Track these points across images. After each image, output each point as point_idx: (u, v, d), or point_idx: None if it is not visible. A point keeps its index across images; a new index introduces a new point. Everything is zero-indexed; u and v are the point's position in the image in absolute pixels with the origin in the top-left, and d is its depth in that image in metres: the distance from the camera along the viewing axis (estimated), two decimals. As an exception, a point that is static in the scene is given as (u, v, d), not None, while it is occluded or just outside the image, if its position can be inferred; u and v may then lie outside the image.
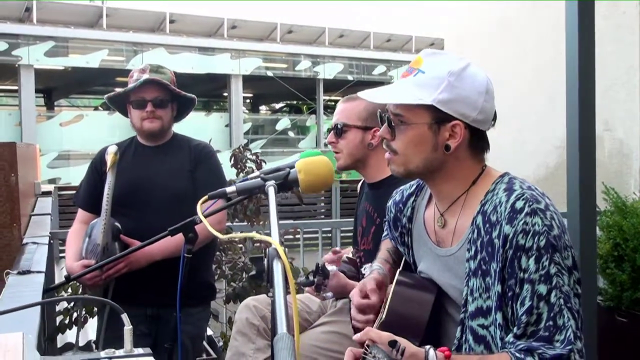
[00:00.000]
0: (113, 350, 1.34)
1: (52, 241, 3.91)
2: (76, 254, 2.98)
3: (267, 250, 1.25)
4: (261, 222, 4.31)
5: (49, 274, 3.44)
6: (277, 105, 32.03)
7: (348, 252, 2.79)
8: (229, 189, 1.98)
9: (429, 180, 1.90)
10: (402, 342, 1.52)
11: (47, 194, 6.63)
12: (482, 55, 8.25)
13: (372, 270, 2.08)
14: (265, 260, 1.24)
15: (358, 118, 2.66)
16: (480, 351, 1.71)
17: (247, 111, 27.57)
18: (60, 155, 19.43)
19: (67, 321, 3.79)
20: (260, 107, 31.73)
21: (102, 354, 1.31)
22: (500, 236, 1.67)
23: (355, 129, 2.66)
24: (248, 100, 29.98)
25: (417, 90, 1.76)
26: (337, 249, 2.82)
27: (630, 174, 6.32)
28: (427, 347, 1.58)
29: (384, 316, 1.86)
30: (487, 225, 1.72)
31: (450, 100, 1.74)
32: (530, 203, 1.66)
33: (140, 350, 1.35)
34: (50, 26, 20.20)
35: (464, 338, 1.76)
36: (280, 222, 4.64)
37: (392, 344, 1.47)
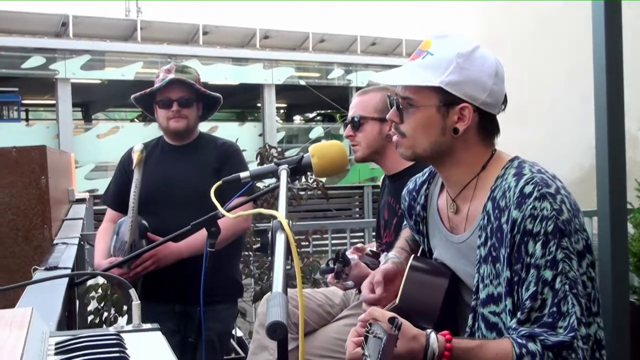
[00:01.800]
0: (122, 325, 1.36)
1: (82, 242, 3.95)
2: (104, 252, 3.02)
3: (272, 222, 1.26)
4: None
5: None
6: (311, 115, 32.10)
7: (372, 246, 2.79)
8: (243, 174, 1.99)
9: (438, 165, 1.88)
10: (402, 320, 1.52)
11: (81, 201, 6.73)
12: (516, 56, 8.19)
13: (387, 260, 2.08)
14: (270, 233, 1.25)
15: (374, 110, 2.65)
16: (493, 338, 1.69)
17: (280, 121, 27.69)
18: (97, 167, 19.69)
19: (97, 320, 3.83)
20: (294, 117, 31.84)
21: (111, 329, 1.33)
22: (508, 221, 1.64)
23: (372, 120, 2.66)
24: (282, 111, 30.12)
25: (426, 72, 1.75)
26: (360, 245, 2.81)
27: (665, 173, 6.20)
28: (429, 330, 1.57)
29: (397, 301, 1.85)
30: (497, 211, 1.70)
31: (459, 82, 1.73)
32: (540, 187, 1.64)
33: (148, 325, 1.36)
34: (86, 40, 20.56)
35: (476, 325, 1.74)
36: (308, 222, 4.65)
37: (391, 320, 1.47)
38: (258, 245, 1.37)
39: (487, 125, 1.80)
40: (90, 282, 3.98)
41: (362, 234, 5.74)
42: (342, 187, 19.15)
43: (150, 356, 1.17)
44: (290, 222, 1.23)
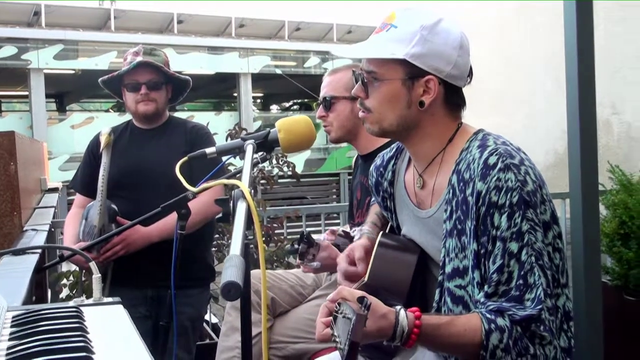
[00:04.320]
0: (82, 298, 1.33)
1: (53, 229, 3.91)
2: (74, 237, 2.99)
3: (233, 192, 1.24)
4: (261, 206, 4.29)
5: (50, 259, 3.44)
6: (287, 104, 32.02)
7: (346, 228, 2.78)
8: (209, 150, 1.98)
9: (405, 139, 1.87)
10: (371, 299, 1.50)
11: (54, 190, 6.66)
12: (493, 44, 8.22)
13: (362, 235, 2.07)
14: (231, 202, 1.24)
15: (345, 89, 2.63)
16: (459, 312, 1.68)
17: (257, 110, 27.57)
18: (71, 158, 19.46)
19: (69, 307, 3.78)
20: (271, 106, 31.73)
21: (71, 302, 1.31)
22: (473, 193, 1.64)
23: (344, 100, 2.64)
24: (259, 100, 29.98)
25: (390, 45, 1.74)
26: (334, 228, 2.80)
27: (639, 157, 6.26)
28: (398, 307, 1.56)
29: (366, 278, 1.84)
30: (462, 184, 1.69)
31: (423, 54, 1.71)
32: (504, 158, 1.63)
33: (109, 299, 1.34)
34: (59, 29, 20.29)
35: (442, 300, 1.74)
36: (283, 207, 4.64)
37: (360, 300, 1.45)
38: (220, 215, 1.35)
39: (453, 97, 1.79)
40: (61, 270, 3.94)
41: (338, 220, 5.73)
42: (319, 174, 19.15)
43: (110, 328, 1.15)
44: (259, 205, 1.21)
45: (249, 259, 1.13)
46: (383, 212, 2.10)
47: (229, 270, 1.01)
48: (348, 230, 2.66)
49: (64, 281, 3.84)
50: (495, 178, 1.61)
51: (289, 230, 4.77)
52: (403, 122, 1.79)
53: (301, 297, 2.78)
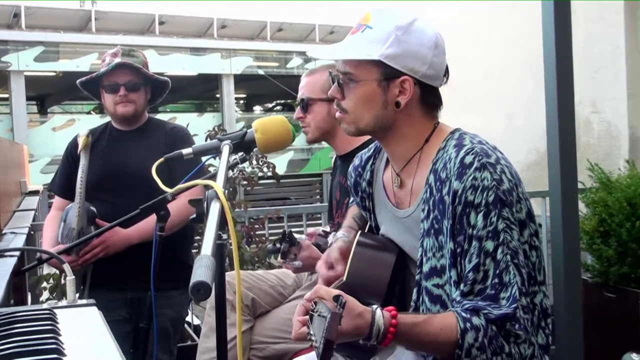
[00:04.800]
0: (56, 301, 1.33)
1: (32, 232, 3.88)
2: (52, 240, 2.97)
3: (206, 193, 1.24)
4: (242, 207, 4.28)
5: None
6: (270, 105, 32.00)
7: (327, 228, 2.78)
8: (185, 151, 1.97)
9: (382, 139, 1.88)
10: (347, 298, 1.50)
11: (34, 193, 6.63)
12: (472, 43, 8.25)
13: (337, 239, 2.07)
14: (205, 202, 1.23)
15: (322, 90, 2.63)
16: (437, 310, 1.69)
17: (240, 111, 27.52)
18: (53, 161, 19.36)
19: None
20: (254, 107, 31.69)
21: (45, 305, 1.30)
22: (450, 192, 1.64)
23: (321, 101, 2.65)
24: (242, 101, 29.93)
25: (365, 46, 1.74)
26: (311, 230, 2.79)
27: (620, 155, 6.30)
28: (374, 306, 1.56)
29: (344, 277, 1.84)
30: (438, 183, 1.70)
31: (398, 54, 1.72)
32: (480, 157, 1.64)
33: (83, 301, 1.33)
34: (40, 31, 20.18)
35: (420, 299, 1.75)
36: (264, 208, 4.61)
37: (336, 298, 1.46)
38: (194, 216, 1.35)
39: (429, 97, 1.80)
40: (42, 272, 3.91)
41: (320, 220, 5.73)
42: (302, 175, 19.13)
43: (83, 330, 1.14)
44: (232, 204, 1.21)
45: (224, 260, 1.13)
46: (362, 212, 2.11)
47: (199, 270, 1.01)
48: (328, 230, 2.66)
49: (44, 284, 3.81)
50: (471, 177, 1.62)
51: (270, 231, 4.76)
52: (379, 122, 1.79)
53: (282, 298, 2.78)
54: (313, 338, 1.47)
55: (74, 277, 1.35)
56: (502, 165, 1.66)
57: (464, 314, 1.58)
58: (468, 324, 1.56)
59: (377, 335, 1.53)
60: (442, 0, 8.49)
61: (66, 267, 1.35)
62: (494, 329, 1.56)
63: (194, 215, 1.38)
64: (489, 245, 1.59)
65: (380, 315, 1.54)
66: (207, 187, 1.25)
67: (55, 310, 1.22)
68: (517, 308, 1.56)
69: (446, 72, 1.80)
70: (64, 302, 1.31)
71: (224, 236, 1.16)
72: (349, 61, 1.78)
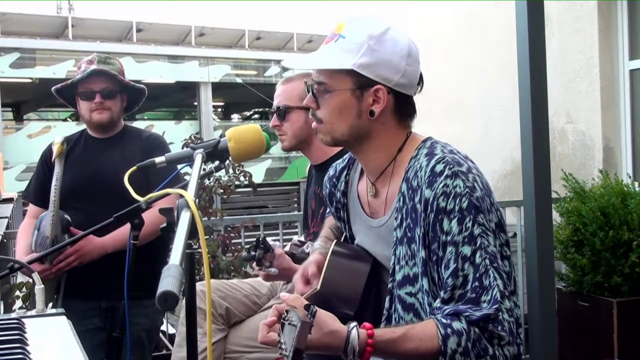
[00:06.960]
0: (25, 310, 1.31)
1: (5, 240, 3.84)
2: (26, 248, 2.93)
3: (177, 201, 1.24)
4: (218, 215, 4.27)
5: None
6: (248, 113, 31.95)
7: (302, 238, 2.78)
8: (158, 159, 1.96)
9: (357, 150, 1.88)
10: (324, 313, 1.52)
11: (8, 200, 6.57)
12: (447, 53, 8.31)
13: (314, 250, 2.07)
14: (175, 211, 1.23)
15: (299, 99, 2.62)
16: (410, 319, 1.69)
17: (217, 119, 27.44)
18: (28, 168, 19.16)
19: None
20: (232, 116, 31.61)
21: (14, 314, 1.29)
22: (421, 201, 1.65)
23: (298, 110, 2.64)
24: (219, 109, 29.84)
25: (338, 55, 1.75)
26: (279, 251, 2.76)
27: (594, 165, 6.37)
28: (352, 325, 1.55)
29: (318, 287, 1.84)
30: (410, 192, 1.70)
31: (371, 64, 1.73)
32: (451, 166, 1.65)
33: (53, 310, 1.32)
34: (15, 37, 20.00)
35: (393, 308, 1.75)
36: (241, 217, 4.60)
37: (307, 307, 1.46)
38: (164, 225, 1.34)
39: (403, 106, 1.81)
40: (15, 281, 3.87)
41: (297, 230, 5.72)
42: (280, 183, 19.11)
43: (51, 340, 1.13)
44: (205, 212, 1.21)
45: (194, 269, 1.12)
46: (337, 222, 2.11)
47: (166, 280, 1.01)
48: (303, 240, 2.65)
49: (17, 293, 3.76)
50: (442, 185, 1.63)
51: (246, 240, 4.75)
52: (355, 131, 1.79)
53: (256, 307, 2.77)
54: (283, 346, 1.47)
55: (43, 286, 1.34)
56: (474, 174, 1.67)
57: (444, 320, 1.57)
58: (449, 330, 1.55)
59: (352, 354, 1.52)
60: (420, 11, 8.55)
61: (35, 276, 1.34)
62: (476, 331, 1.55)
63: (164, 224, 1.37)
64: (466, 250, 1.59)
65: (356, 335, 1.53)
66: (180, 196, 1.25)
67: (23, 320, 1.21)
68: (500, 310, 1.56)
69: (420, 81, 1.81)
70: (32, 312, 1.30)
71: (195, 245, 1.15)
72: (323, 71, 1.79)
